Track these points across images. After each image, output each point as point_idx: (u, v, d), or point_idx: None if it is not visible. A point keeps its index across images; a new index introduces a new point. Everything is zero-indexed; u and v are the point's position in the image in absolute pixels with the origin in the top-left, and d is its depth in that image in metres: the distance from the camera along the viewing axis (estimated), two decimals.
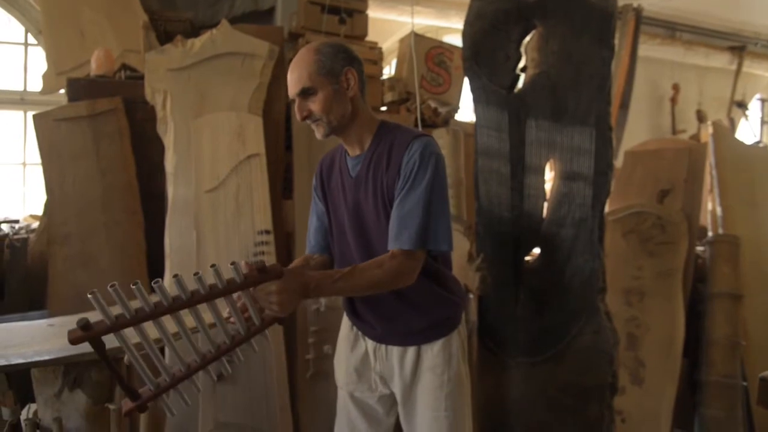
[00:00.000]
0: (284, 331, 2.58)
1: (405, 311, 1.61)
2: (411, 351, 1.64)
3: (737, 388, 3.02)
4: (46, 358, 1.58)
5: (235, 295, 1.32)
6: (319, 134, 1.56)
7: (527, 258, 2.21)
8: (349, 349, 1.74)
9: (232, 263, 1.27)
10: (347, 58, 1.55)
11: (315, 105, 1.52)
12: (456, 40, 4.49)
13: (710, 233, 3.53)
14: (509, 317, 2.17)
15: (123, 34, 3.55)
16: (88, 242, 2.75)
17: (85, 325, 1.16)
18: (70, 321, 1.99)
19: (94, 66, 3.13)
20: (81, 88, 2.93)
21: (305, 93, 1.52)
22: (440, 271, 1.64)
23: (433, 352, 1.64)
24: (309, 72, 1.51)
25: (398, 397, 1.68)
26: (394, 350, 1.65)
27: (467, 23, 2.26)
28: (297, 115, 1.54)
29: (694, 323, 3.13)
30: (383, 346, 1.67)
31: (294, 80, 1.53)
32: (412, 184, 1.49)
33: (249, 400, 2.44)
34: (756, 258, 3.36)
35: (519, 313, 2.16)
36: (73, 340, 1.16)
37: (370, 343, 1.69)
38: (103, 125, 2.83)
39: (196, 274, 1.26)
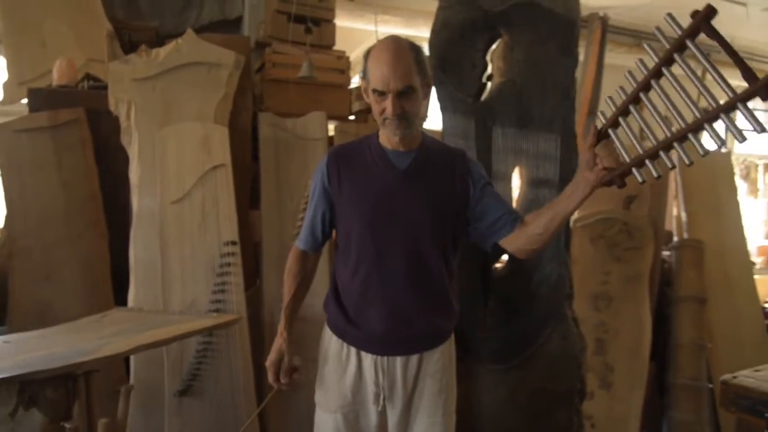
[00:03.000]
0: (251, 342, 2.53)
1: (420, 314, 1.62)
2: (414, 359, 1.64)
3: (703, 391, 3.07)
4: (0, 376, 1.52)
5: None
6: (398, 132, 1.55)
7: (496, 265, 2.22)
8: (342, 370, 1.67)
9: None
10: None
11: (410, 105, 1.52)
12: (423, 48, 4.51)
13: (675, 238, 3.60)
14: (478, 325, 2.17)
15: (87, 43, 3.47)
16: (50, 255, 2.68)
17: None
18: (26, 338, 1.93)
19: (56, 75, 3.05)
20: (42, 98, 2.86)
21: (408, 91, 1.50)
22: (455, 274, 1.70)
23: (433, 358, 1.66)
24: (413, 71, 1.50)
25: (396, 407, 1.64)
26: (398, 360, 1.63)
27: (434, 32, 2.27)
28: (390, 110, 1.50)
29: (661, 327, 3.18)
30: (385, 359, 1.63)
31: (399, 75, 1.48)
32: (490, 185, 1.67)
33: (216, 414, 2.40)
34: (719, 262, 3.43)
35: (487, 320, 2.16)
36: None
37: (369, 358, 1.64)
38: (65, 136, 2.77)
39: None
